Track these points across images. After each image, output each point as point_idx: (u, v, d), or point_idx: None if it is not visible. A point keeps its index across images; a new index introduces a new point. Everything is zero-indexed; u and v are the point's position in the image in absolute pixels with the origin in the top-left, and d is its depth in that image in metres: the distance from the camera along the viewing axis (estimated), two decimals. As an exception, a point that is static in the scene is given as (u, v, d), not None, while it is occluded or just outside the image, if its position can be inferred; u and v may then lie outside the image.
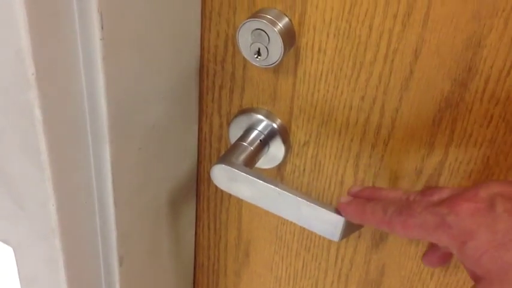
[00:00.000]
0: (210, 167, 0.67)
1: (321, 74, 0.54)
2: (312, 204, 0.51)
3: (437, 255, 0.53)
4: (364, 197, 0.49)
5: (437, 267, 0.58)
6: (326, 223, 0.51)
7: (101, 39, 0.45)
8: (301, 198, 0.51)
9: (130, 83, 0.51)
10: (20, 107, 0.46)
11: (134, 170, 0.57)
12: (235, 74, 0.59)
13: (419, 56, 0.49)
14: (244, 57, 0.57)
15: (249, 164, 0.58)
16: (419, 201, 0.43)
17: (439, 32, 0.47)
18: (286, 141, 0.60)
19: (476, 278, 0.40)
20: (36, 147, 0.48)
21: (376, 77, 0.52)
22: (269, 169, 0.63)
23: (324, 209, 0.51)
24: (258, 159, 0.60)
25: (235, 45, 0.57)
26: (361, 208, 0.47)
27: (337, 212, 0.50)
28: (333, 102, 0.56)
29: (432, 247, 0.54)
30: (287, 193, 0.52)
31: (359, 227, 0.54)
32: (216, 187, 0.69)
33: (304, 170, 0.62)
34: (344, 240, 0.64)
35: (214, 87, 0.61)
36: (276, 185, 0.53)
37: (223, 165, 0.54)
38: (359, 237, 0.63)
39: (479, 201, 0.40)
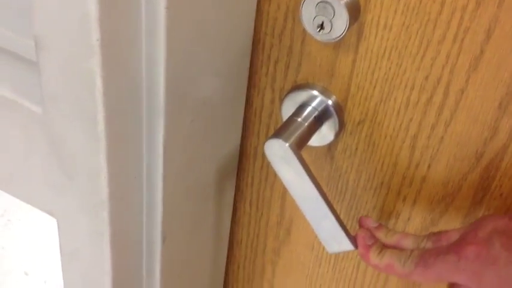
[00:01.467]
0: (258, 143, 0.67)
1: (384, 52, 0.53)
2: (335, 223, 0.54)
3: None
4: (378, 236, 0.54)
5: None
6: (335, 241, 0.55)
7: (165, 8, 0.44)
8: (331, 211, 0.54)
9: (188, 56, 0.50)
10: (81, 74, 0.45)
11: (185, 145, 0.56)
12: (292, 48, 0.58)
13: (492, 36, 0.48)
14: (303, 31, 0.56)
15: (303, 141, 0.57)
16: (430, 250, 0.49)
17: (516, 12, 0.46)
18: (340, 119, 0.59)
19: None
20: (93, 117, 0.47)
21: (444, 56, 0.50)
22: (319, 147, 0.62)
23: (343, 233, 0.55)
24: (311, 137, 0.59)
25: (295, 18, 0.56)
26: (379, 256, 0.52)
27: (353, 240, 0.54)
28: (394, 80, 0.54)
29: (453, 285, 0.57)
30: (321, 199, 0.54)
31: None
32: (262, 163, 0.68)
33: (356, 149, 0.61)
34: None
35: (269, 61, 0.60)
36: (317, 187, 0.54)
37: (281, 141, 0.53)
38: (408, 219, 0.62)
39: (479, 242, 0.45)
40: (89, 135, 0.48)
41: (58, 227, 0.60)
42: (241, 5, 0.55)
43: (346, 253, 0.69)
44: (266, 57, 0.60)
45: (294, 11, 0.56)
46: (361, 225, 0.57)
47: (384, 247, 0.53)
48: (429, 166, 0.57)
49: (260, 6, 0.57)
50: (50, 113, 0.50)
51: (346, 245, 0.55)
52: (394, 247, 0.53)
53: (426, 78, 0.52)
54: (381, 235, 0.55)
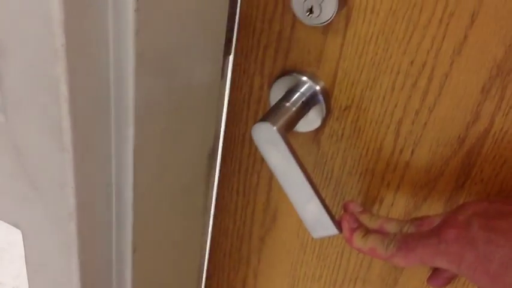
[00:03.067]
0: (246, 129, 0.68)
1: (371, 36, 0.55)
2: (321, 207, 0.55)
3: (442, 277, 0.59)
4: (362, 221, 0.56)
5: (443, 287, 0.60)
6: (320, 225, 0.56)
7: (135, 10, 0.42)
8: (317, 196, 0.55)
9: (159, 61, 0.48)
10: (45, 80, 0.43)
11: (156, 153, 0.54)
12: (282, 33, 0.59)
13: (476, 20, 0.49)
14: (293, 16, 0.57)
15: (291, 125, 0.58)
16: (412, 234, 0.51)
17: (498, -4, 0.47)
18: (327, 105, 0.60)
19: None
20: (58, 126, 0.44)
21: (429, 40, 0.52)
22: (306, 132, 0.63)
23: (328, 217, 0.55)
24: (298, 121, 0.60)
25: (285, 3, 0.57)
26: (363, 240, 0.53)
27: (337, 225, 0.55)
28: (380, 65, 0.56)
29: (435, 270, 0.60)
30: (307, 183, 0.55)
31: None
32: (250, 149, 0.69)
33: (342, 135, 0.62)
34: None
35: (259, 47, 0.61)
36: (303, 171, 0.55)
37: (269, 124, 0.54)
38: (392, 205, 0.63)
39: (458, 225, 0.46)
40: (55, 144, 0.46)
41: (23, 240, 0.57)
42: (215, 5, 0.54)
43: (330, 240, 0.70)
44: (256, 43, 0.61)
45: (284, -4, 0.57)
46: (345, 210, 0.58)
47: (367, 231, 0.54)
48: (412, 152, 0.58)
49: (251, -8, 0.58)
50: (14, 121, 0.48)
51: (331, 230, 0.56)
52: (377, 231, 0.54)
53: (411, 63, 0.54)
54: (365, 219, 0.56)
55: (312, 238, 0.71)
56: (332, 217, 0.56)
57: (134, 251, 0.58)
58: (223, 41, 0.59)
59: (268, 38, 0.60)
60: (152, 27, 0.45)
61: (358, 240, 0.54)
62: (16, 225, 0.58)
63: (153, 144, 0.54)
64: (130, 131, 0.49)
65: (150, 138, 0.53)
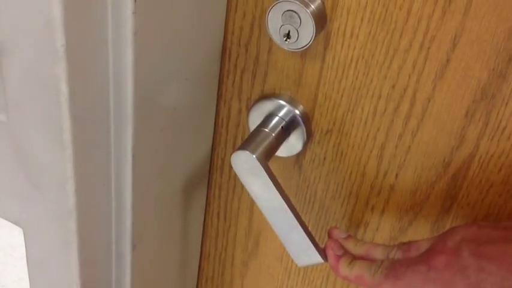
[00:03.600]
0: (225, 154, 0.66)
1: (351, 60, 0.53)
2: (304, 235, 0.53)
3: None
4: (347, 247, 0.53)
5: None
6: (304, 254, 0.54)
7: (133, 13, 0.43)
8: (300, 224, 0.53)
9: (157, 62, 0.49)
10: (46, 80, 0.44)
11: (154, 153, 0.55)
12: (259, 57, 0.57)
13: (458, 44, 0.48)
14: (269, 40, 0.55)
15: (270, 152, 0.56)
16: (400, 261, 0.48)
17: (480, 20, 0.46)
18: (308, 129, 0.58)
19: None
20: (59, 125, 0.45)
21: (410, 64, 0.50)
22: (287, 157, 0.62)
23: (312, 245, 0.53)
24: (279, 147, 0.58)
25: (261, 27, 0.55)
26: (349, 267, 0.51)
27: (322, 253, 0.53)
28: (361, 90, 0.54)
29: None
30: (289, 212, 0.53)
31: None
32: (230, 174, 0.67)
33: (324, 159, 0.60)
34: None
35: (236, 71, 0.59)
36: (285, 199, 0.53)
37: (248, 153, 0.53)
38: (377, 229, 0.61)
39: (448, 252, 0.45)
40: (55, 143, 0.47)
41: (25, 237, 0.58)
42: (211, 12, 0.54)
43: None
44: (232, 67, 0.59)
45: (260, 20, 0.55)
46: (330, 236, 0.56)
47: (353, 258, 0.52)
48: (397, 175, 0.57)
49: (228, 14, 0.57)
50: (15, 120, 0.49)
51: (315, 258, 0.54)
52: (363, 258, 0.52)
53: (393, 87, 0.52)
54: (350, 246, 0.54)
55: (297, 262, 0.69)
56: (316, 245, 0.54)
57: (134, 248, 0.58)
58: (219, 53, 0.59)
59: (245, 62, 0.58)
60: (150, 30, 0.46)
61: (344, 268, 0.52)
62: (17, 223, 0.58)
63: (152, 143, 0.54)
64: (129, 130, 0.50)
65: (148, 137, 0.53)
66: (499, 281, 0.42)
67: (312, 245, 0.54)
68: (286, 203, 0.53)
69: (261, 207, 0.55)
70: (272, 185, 0.53)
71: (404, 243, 0.52)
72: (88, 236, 0.53)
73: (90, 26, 0.42)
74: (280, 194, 0.53)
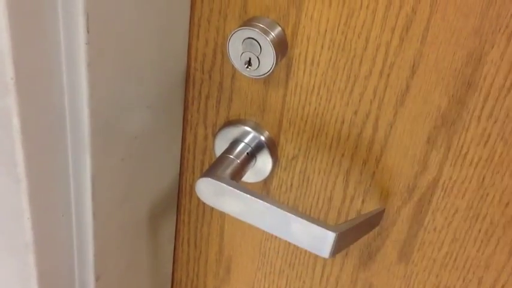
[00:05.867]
0: (193, 180, 0.66)
1: (313, 87, 0.53)
2: (302, 219, 0.49)
3: None
4: None
5: None
6: (316, 238, 0.49)
7: (86, 44, 0.43)
8: (291, 213, 0.49)
9: (114, 91, 0.48)
10: None
11: (115, 181, 0.54)
12: (223, 84, 0.57)
13: (417, 71, 0.48)
14: (233, 67, 0.55)
15: (236, 177, 0.56)
16: None
17: (438, 47, 0.46)
18: (273, 155, 0.58)
19: None
20: (12, 158, 0.45)
21: (371, 91, 0.50)
22: (255, 183, 0.61)
23: (314, 224, 0.49)
24: (245, 173, 0.58)
25: (224, 54, 0.55)
26: None
27: (329, 227, 0.48)
28: (324, 116, 0.54)
29: None
30: (276, 207, 0.50)
31: (349, 243, 0.52)
32: (198, 200, 0.67)
33: (291, 185, 0.60)
34: (330, 258, 0.62)
35: (200, 97, 0.59)
36: (264, 200, 0.50)
37: (209, 179, 0.52)
38: (346, 255, 0.61)
39: None
40: (8, 176, 0.46)
41: None
42: (171, 37, 0.54)
43: (286, 290, 0.67)
44: (197, 93, 0.59)
45: (222, 47, 0.55)
46: None
47: None
48: (363, 201, 0.56)
49: (190, 40, 0.56)
50: None
51: (328, 235, 0.49)
52: None
53: (355, 113, 0.52)
54: None
55: (268, 288, 0.68)
56: (322, 223, 0.49)
57: (97, 279, 0.57)
58: (183, 80, 0.58)
59: (210, 89, 0.58)
60: (105, 60, 0.46)
61: None
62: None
63: (113, 172, 0.53)
64: (87, 160, 0.49)
65: (109, 166, 0.52)
66: None
67: (315, 224, 0.49)
68: (266, 201, 0.50)
69: (247, 220, 0.52)
70: (247, 195, 0.51)
71: None
72: (48, 268, 0.52)
73: (41, 58, 0.42)
74: (257, 197, 0.51)
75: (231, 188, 0.51)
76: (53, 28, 0.42)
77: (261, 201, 0.50)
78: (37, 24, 0.41)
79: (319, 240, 0.49)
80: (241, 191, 0.51)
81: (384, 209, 0.56)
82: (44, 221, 0.50)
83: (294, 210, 0.50)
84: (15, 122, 0.42)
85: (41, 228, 0.49)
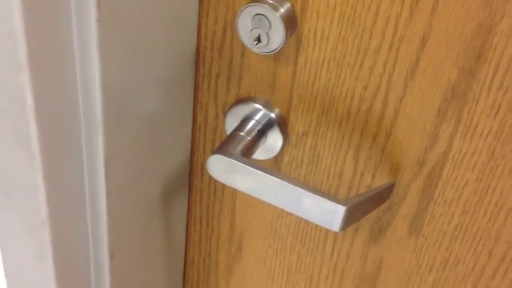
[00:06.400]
0: (204, 158, 0.66)
1: (323, 62, 0.53)
2: (313, 194, 0.49)
3: None
4: None
5: None
6: (327, 212, 0.50)
7: (97, 21, 0.43)
8: (302, 188, 0.50)
9: (126, 69, 0.49)
10: (11, 92, 0.44)
11: (128, 160, 0.54)
12: (232, 61, 0.57)
13: (427, 44, 0.48)
14: (243, 44, 0.55)
15: (246, 155, 0.56)
16: None
17: (448, 19, 0.46)
18: (284, 132, 0.58)
19: None
20: (26, 135, 0.45)
21: (381, 65, 0.50)
22: (266, 160, 0.62)
23: (324, 199, 0.49)
24: (255, 150, 0.58)
25: (233, 31, 0.55)
26: None
27: (339, 200, 0.49)
28: (334, 91, 0.54)
29: None
30: (287, 183, 0.50)
31: (360, 217, 0.52)
32: (210, 179, 0.67)
33: (302, 161, 0.60)
34: (341, 233, 0.63)
35: (210, 76, 0.59)
36: (275, 175, 0.51)
37: (221, 156, 0.53)
38: (357, 230, 0.61)
39: None
40: (23, 153, 0.47)
41: (1, 248, 0.58)
42: (182, 17, 0.54)
43: (298, 267, 0.68)
44: (207, 72, 0.59)
45: (232, 24, 0.55)
46: None
47: None
48: (373, 176, 0.57)
49: (200, 18, 0.56)
50: None
51: (338, 209, 0.49)
52: None
53: (365, 87, 0.52)
54: None
55: (279, 265, 0.69)
56: (333, 198, 0.49)
57: (111, 257, 0.58)
58: (193, 57, 0.58)
59: (220, 67, 0.58)
60: (116, 38, 0.46)
61: None
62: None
63: (125, 151, 0.54)
64: (100, 138, 0.50)
65: (122, 145, 0.53)
66: None
67: (325, 198, 0.49)
68: (277, 177, 0.51)
69: (258, 196, 0.52)
70: (258, 171, 0.51)
71: None
72: (63, 246, 0.53)
73: (53, 36, 0.42)
74: (268, 173, 0.51)
75: (242, 164, 0.52)
76: (64, 6, 0.42)
77: (272, 176, 0.51)
78: (48, 2, 0.41)
79: (329, 214, 0.50)
80: (252, 167, 0.51)
81: (394, 183, 0.56)
82: (59, 198, 0.50)
83: (305, 185, 0.51)
84: (29, 99, 0.43)
85: (56, 206, 0.50)
